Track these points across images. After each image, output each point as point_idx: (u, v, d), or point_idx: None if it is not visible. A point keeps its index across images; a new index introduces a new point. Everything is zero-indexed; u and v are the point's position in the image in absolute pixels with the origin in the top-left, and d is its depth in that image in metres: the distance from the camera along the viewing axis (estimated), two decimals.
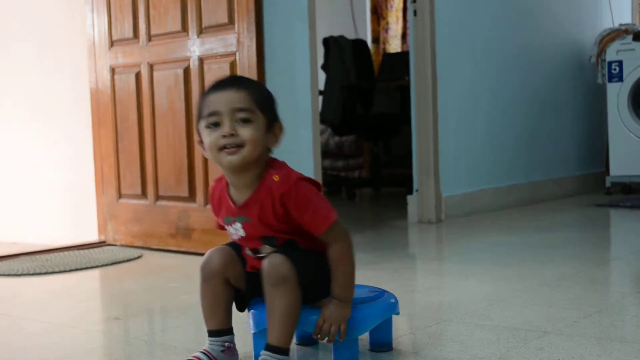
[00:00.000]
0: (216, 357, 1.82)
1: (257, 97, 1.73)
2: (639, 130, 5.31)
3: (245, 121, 1.70)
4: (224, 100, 1.70)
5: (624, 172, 5.39)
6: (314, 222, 1.73)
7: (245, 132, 1.70)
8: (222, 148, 1.70)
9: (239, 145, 1.70)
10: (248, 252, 1.84)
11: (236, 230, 1.81)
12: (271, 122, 1.76)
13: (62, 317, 2.54)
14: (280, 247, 1.78)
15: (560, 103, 5.58)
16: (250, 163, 1.72)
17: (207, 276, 1.84)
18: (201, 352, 1.82)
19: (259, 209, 1.74)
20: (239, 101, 1.70)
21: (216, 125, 1.70)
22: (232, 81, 1.79)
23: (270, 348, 1.71)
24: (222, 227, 1.88)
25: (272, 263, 1.70)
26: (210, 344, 1.84)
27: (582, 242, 3.69)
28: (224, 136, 1.69)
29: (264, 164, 1.77)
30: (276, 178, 1.73)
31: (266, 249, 1.79)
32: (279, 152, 3.39)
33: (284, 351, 1.71)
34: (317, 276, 1.77)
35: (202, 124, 1.73)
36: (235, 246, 1.86)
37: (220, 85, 1.75)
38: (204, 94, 1.77)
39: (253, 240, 1.80)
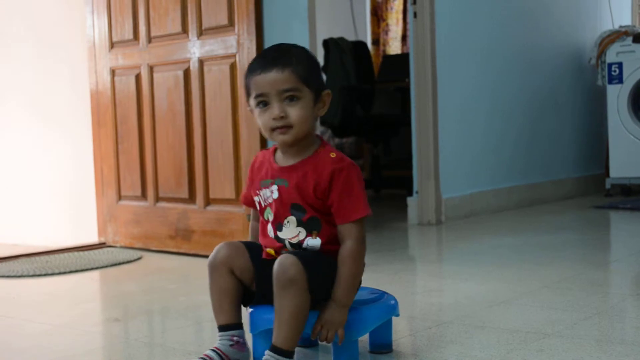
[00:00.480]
0: (226, 353, 1.81)
1: (302, 72, 1.75)
2: (638, 132, 5.31)
3: (293, 99, 1.75)
4: (270, 82, 1.74)
5: (623, 173, 5.39)
6: (348, 207, 1.76)
7: (294, 113, 1.75)
8: (273, 129, 1.76)
9: (289, 126, 1.75)
10: (270, 230, 1.84)
11: (271, 193, 1.82)
12: (318, 93, 1.79)
13: (62, 318, 2.54)
14: (295, 249, 1.80)
15: (560, 104, 5.59)
16: (302, 138, 1.79)
17: (212, 267, 1.84)
18: (211, 349, 1.82)
19: (302, 175, 1.78)
20: (285, 82, 1.74)
21: (265, 104, 1.76)
22: (275, 59, 1.76)
23: (274, 349, 1.70)
24: (248, 201, 1.91)
25: (283, 264, 1.70)
26: (219, 340, 1.84)
27: (582, 244, 3.69)
28: (274, 119, 1.75)
29: (315, 137, 1.83)
30: (333, 155, 1.79)
31: (290, 223, 1.80)
32: None
33: (289, 353, 1.71)
34: (327, 279, 1.77)
35: (252, 101, 1.79)
36: (248, 244, 1.87)
37: (265, 64, 1.76)
38: (249, 69, 1.79)
39: (283, 207, 1.81)
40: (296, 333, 1.72)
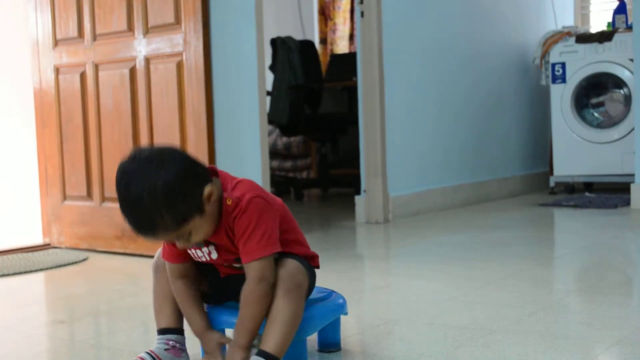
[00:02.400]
0: (160, 357, 1.79)
1: (173, 219, 1.60)
2: (581, 130, 5.41)
3: (187, 237, 1.66)
4: (157, 241, 1.69)
5: (567, 172, 5.49)
6: (244, 251, 1.68)
7: (195, 239, 1.66)
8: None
9: (199, 244, 1.72)
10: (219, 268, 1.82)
11: (209, 253, 1.75)
12: (199, 205, 1.63)
13: (6, 321, 2.50)
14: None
15: (506, 103, 5.66)
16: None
17: (156, 269, 1.82)
18: (146, 352, 1.80)
19: (222, 236, 1.71)
20: (166, 237, 1.66)
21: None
22: (140, 226, 1.62)
23: (265, 355, 1.65)
24: (175, 257, 1.78)
25: (289, 269, 1.68)
26: (156, 343, 1.82)
27: (526, 241, 3.74)
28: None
29: (220, 195, 1.69)
30: (229, 202, 1.68)
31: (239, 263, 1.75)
32: (228, 155, 3.36)
33: None
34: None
35: None
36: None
37: (136, 230, 1.63)
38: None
39: (227, 262, 1.78)
40: (289, 341, 1.68)
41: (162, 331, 1.83)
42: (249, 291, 1.67)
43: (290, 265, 1.69)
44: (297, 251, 1.80)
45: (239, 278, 1.73)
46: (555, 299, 2.49)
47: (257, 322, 1.69)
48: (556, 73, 5.49)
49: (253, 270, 1.67)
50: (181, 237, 1.65)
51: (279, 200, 1.78)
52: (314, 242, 3.87)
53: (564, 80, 5.46)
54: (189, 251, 1.78)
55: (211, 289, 1.84)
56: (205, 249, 1.75)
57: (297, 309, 1.68)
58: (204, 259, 1.78)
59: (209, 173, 1.69)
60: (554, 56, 5.51)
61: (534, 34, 5.93)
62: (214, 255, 1.76)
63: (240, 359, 1.68)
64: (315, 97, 6.15)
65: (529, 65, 5.88)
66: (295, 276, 1.68)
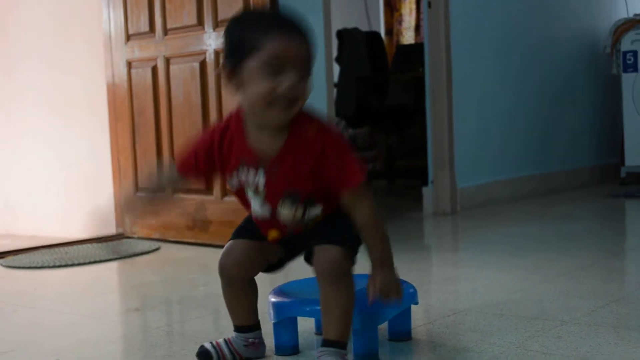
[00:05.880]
0: (237, 349, 1.82)
1: (314, 49, 1.58)
2: None
3: (307, 75, 1.57)
4: (295, 48, 1.54)
5: (639, 162, 5.38)
6: (351, 173, 1.61)
7: (303, 87, 1.57)
8: (272, 101, 1.54)
9: (295, 100, 1.56)
10: (263, 211, 1.71)
11: (255, 176, 1.66)
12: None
13: (83, 308, 2.57)
14: (325, 230, 1.68)
15: (575, 93, 5.58)
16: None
17: (226, 282, 1.82)
18: (224, 340, 1.84)
19: (293, 159, 1.62)
20: (306, 51, 1.56)
21: (277, 71, 1.53)
22: (297, 27, 1.56)
23: (331, 343, 1.66)
24: (189, 169, 1.76)
25: (332, 260, 1.63)
26: (234, 337, 1.85)
27: (597, 233, 3.69)
28: (289, 87, 1.53)
29: None
30: (313, 129, 1.61)
31: (285, 204, 1.67)
32: None
33: (345, 345, 1.68)
34: (355, 236, 1.70)
35: (254, 63, 1.54)
36: (248, 233, 1.79)
37: (287, 27, 1.55)
38: (254, 22, 1.59)
39: (275, 195, 1.67)
40: (350, 324, 1.69)
41: (238, 329, 1.84)
42: (369, 212, 1.64)
43: (333, 256, 1.63)
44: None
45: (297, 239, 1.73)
46: (627, 291, 2.46)
47: (387, 241, 1.67)
48: (627, 62, 5.39)
49: (362, 192, 1.63)
50: (305, 69, 1.56)
51: None
52: None
53: (635, 69, 5.35)
54: (238, 178, 1.69)
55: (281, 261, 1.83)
56: (258, 176, 1.65)
57: (349, 296, 1.65)
58: (254, 184, 1.67)
59: None
60: (625, 44, 5.41)
61: (604, 22, 5.83)
62: (261, 182, 1.65)
63: (393, 277, 1.68)
64: (382, 89, 6.16)
65: (599, 54, 5.78)
66: (342, 266, 1.64)
